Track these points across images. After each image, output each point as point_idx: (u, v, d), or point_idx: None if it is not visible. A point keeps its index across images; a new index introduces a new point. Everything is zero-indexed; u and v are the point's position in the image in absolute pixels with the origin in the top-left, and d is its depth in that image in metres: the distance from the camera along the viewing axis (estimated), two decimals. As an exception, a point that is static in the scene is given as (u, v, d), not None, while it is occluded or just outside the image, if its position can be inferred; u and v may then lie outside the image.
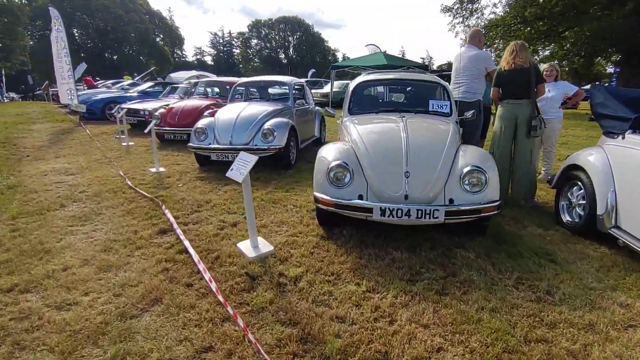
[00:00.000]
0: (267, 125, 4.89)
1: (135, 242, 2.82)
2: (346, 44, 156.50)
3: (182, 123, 6.85)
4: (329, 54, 65.07)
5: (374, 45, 16.28)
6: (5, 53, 32.03)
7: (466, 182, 2.62)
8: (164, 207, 3.50)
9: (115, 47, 44.56)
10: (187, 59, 55.84)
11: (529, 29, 13.26)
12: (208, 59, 63.82)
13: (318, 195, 2.73)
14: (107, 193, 4.01)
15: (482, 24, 16.56)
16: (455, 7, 16.73)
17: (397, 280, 2.27)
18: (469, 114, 3.58)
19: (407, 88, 4.18)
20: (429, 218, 2.49)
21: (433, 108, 3.56)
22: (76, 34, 41.79)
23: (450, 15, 17.25)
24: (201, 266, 2.38)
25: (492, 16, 16.07)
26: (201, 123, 5.06)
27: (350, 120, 3.48)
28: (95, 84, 14.62)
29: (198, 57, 62.66)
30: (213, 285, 2.16)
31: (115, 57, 45.32)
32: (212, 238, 2.90)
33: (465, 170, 2.64)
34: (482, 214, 2.55)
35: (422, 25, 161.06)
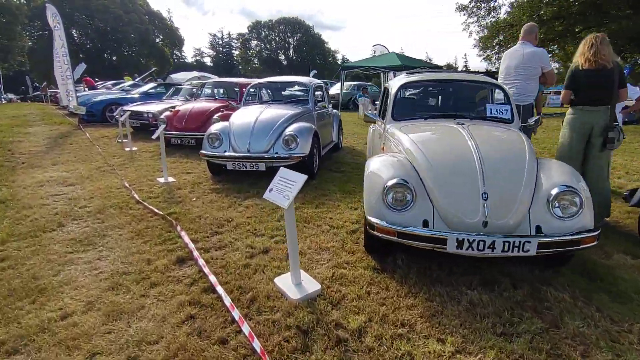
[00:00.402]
0: (289, 130, 4.41)
1: (150, 276, 2.32)
2: (346, 45, 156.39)
3: (190, 127, 6.35)
4: (329, 55, 64.67)
5: (381, 45, 15.82)
6: (3, 53, 31.42)
7: (556, 205, 2.14)
8: (178, 227, 3.01)
9: (115, 47, 43.61)
10: (186, 60, 55.25)
11: (545, 27, 12.79)
12: (207, 60, 63.36)
13: (373, 220, 2.24)
14: (112, 209, 3.51)
15: (492, 21, 16.13)
16: (471, 5, 16.24)
17: (489, 334, 1.78)
18: (532, 120, 3.11)
19: (458, 90, 3.69)
20: (518, 251, 2.01)
21: (492, 113, 3.08)
22: (75, 35, 41.19)
23: (464, 15, 16.77)
24: (236, 314, 1.89)
25: (505, 16, 15.61)
26: (215, 128, 4.57)
27: (397, 127, 3.00)
28: (95, 84, 14.02)
29: (197, 58, 62.17)
30: (257, 345, 1.67)
31: (114, 57, 44.41)
32: (241, 270, 2.40)
33: (555, 191, 2.16)
34: (581, 246, 2.07)
35: (422, 25, 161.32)
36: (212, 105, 6.91)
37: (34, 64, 36.13)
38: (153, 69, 22.22)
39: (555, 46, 15.93)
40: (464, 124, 2.78)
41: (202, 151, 4.44)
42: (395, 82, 3.52)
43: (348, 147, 7.12)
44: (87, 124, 9.55)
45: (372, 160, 2.63)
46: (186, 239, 2.80)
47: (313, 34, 63.30)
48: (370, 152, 4.35)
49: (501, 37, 15.38)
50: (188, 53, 68.91)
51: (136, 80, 15.75)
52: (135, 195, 3.84)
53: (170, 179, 4.53)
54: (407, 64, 10.30)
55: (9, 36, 31.32)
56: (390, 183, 2.27)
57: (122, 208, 3.54)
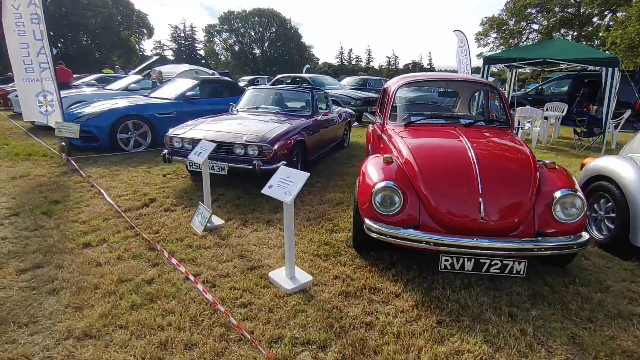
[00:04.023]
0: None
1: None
2: (308, 40, 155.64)
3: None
4: (305, 51, 64.35)
5: (460, 32, 14.24)
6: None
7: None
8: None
9: (71, 37, 38.24)
10: (145, 53, 52.41)
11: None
12: (169, 54, 60.92)
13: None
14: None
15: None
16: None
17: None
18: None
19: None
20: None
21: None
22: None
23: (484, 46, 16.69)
24: None
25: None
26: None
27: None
28: (71, 79, 11.02)
29: (158, 51, 59.64)
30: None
31: (70, 49, 38.30)
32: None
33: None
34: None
35: (388, 22, 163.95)
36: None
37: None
38: (154, 58, 19.55)
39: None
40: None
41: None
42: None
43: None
44: (81, 154, 5.85)
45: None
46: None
47: (290, 27, 62.63)
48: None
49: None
50: (147, 46, 66.11)
51: (129, 72, 13.42)
52: None
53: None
54: (568, 57, 7.89)
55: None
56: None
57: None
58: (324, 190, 4.55)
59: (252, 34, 63.24)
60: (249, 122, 4.82)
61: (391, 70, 73.81)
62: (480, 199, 2.35)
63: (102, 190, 4.20)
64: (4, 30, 5.41)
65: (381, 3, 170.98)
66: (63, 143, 6.33)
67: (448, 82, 3.96)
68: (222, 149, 4.14)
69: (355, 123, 7.82)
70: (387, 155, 2.79)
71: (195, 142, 4.29)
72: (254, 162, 4.03)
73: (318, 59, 72.68)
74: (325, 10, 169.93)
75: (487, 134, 3.14)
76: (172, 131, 4.51)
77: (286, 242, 2.43)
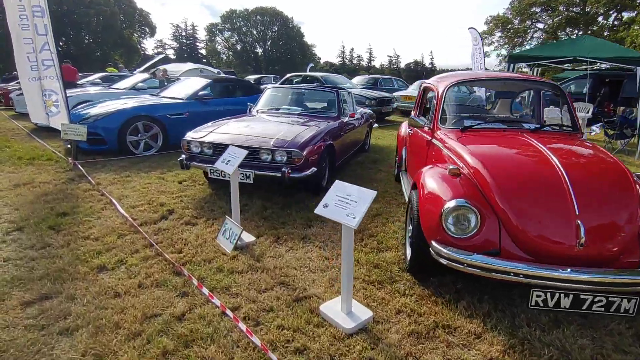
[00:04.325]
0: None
1: None
2: (310, 40, 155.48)
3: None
4: (307, 50, 63.92)
5: (474, 29, 13.39)
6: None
7: None
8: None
9: (72, 35, 37.82)
10: (146, 52, 51.96)
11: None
12: (170, 53, 60.45)
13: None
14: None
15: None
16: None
17: None
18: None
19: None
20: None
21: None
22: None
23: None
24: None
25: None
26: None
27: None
28: (77, 78, 10.68)
29: (159, 50, 59.24)
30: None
31: (71, 49, 37.51)
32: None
33: None
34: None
35: (389, 21, 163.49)
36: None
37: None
38: (161, 55, 19.00)
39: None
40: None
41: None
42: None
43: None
44: (89, 158, 5.42)
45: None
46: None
47: (292, 26, 62.18)
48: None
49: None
50: (148, 45, 65.81)
51: (134, 71, 13.04)
52: None
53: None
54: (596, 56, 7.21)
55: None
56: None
57: None
58: (356, 199, 4.15)
59: (255, 32, 62.83)
60: (273, 124, 4.42)
61: (393, 70, 73.34)
62: (579, 221, 1.95)
63: (115, 200, 3.80)
64: (8, 24, 4.99)
65: (383, 2, 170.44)
66: (68, 146, 6.00)
67: (505, 82, 3.56)
68: (247, 155, 3.74)
69: (375, 124, 7.42)
70: (452, 166, 2.39)
71: (216, 146, 3.91)
72: (283, 169, 3.63)
73: (319, 58, 72.25)
74: (327, 10, 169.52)
75: (562, 141, 2.74)
76: (190, 135, 4.11)
77: (344, 273, 2.03)
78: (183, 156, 4.05)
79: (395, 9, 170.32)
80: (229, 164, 2.88)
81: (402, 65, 79.42)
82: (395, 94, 13.08)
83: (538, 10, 33.03)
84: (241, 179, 3.69)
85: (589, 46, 7.94)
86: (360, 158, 6.25)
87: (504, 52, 34.33)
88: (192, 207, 3.77)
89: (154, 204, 3.83)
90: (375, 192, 1.95)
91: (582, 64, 8.48)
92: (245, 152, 2.94)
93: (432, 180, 2.40)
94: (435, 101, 3.27)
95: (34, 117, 5.52)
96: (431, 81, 3.71)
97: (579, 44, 8.22)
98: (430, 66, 76.54)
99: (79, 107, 6.47)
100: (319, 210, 2.03)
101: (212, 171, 3.82)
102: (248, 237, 3.04)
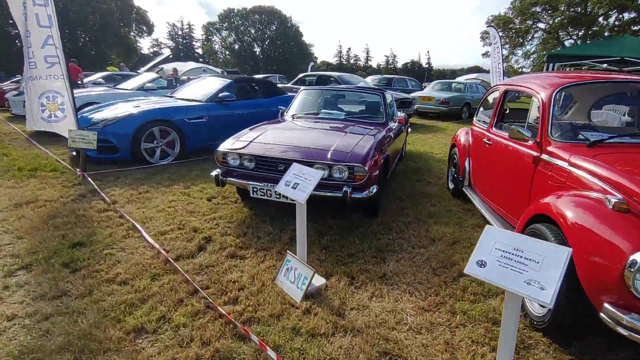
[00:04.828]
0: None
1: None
2: (307, 39, 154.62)
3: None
4: (306, 49, 63.23)
5: (492, 27, 13.30)
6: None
7: None
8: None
9: (68, 33, 35.62)
10: (142, 52, 50.84)
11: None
12: (166, 52, 59.34)
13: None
14: None
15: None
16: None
17: None
18: None
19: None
20: None
21: None
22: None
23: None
24: None
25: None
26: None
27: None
28: (81, 78, 10.09)
29: (155, 49, 58.16)
30: None
31: (67, 47, 37.29)
32: None
33: None
34: None
35: (386, 21, 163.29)
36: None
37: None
38: (167, 54, 18.54)
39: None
40: None
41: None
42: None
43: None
44: (99, 169, 4.75)
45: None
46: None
47: (291, 25, 61.45)
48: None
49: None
50: (144, 44, 64.79)
51: (139, 70, 12.66)
52: None
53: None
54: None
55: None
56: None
57: None
58: (420, 221, 3.54)
59: (253, 32, 61.99)
60: (321, 133, 3.80)
61: (390, 70, 72.93)
62: None
63: (139, 226, 3.15)
64: (14, 19, 4.37)
65: (380, 2, 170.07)
66: (74, 153, 5.38)
67: (625, 84, 2.95)
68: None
69: (410, 129, 6.83)
70: (614, 198, 1.79)
71: (259, 159, 3.28)
72: (345, 188, 3.01)
73: (317, 58, 71.38)
74: (324, 9, 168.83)
75: None
76: (226, 145, 3.46)
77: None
78: (218, 170, 3.41)
79: (393, 9, 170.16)
80: (299, 189, 2.26)
81: (399, 65, 78.98)
82: (413, 94, 12.51)
83: (539, 9, 32.69)
84: (293, 200, 3.07)
85: (632, 46, 7.41)
86: (401, 167, 5.65)
87: (504, 52, 34.03)
88: (232, 234, 3.13)
89: (185, 229, 3.19)
90: (322, 172, 1.32)
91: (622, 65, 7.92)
92: (321, 172, 2.31)
93: (589, 218, 1.79)
94: (539, 108, 2.67)
95: (29, 124, 4.76)
96: (522, 83, 3.11)
97: (622, 44, 7.67)
98: (427, 66, 76.15)
99: (85, 110, 5.78)
100: (474, 271, 1.40)
101: (255, 190, 3.20)
102: (317, 279, 2.42)
